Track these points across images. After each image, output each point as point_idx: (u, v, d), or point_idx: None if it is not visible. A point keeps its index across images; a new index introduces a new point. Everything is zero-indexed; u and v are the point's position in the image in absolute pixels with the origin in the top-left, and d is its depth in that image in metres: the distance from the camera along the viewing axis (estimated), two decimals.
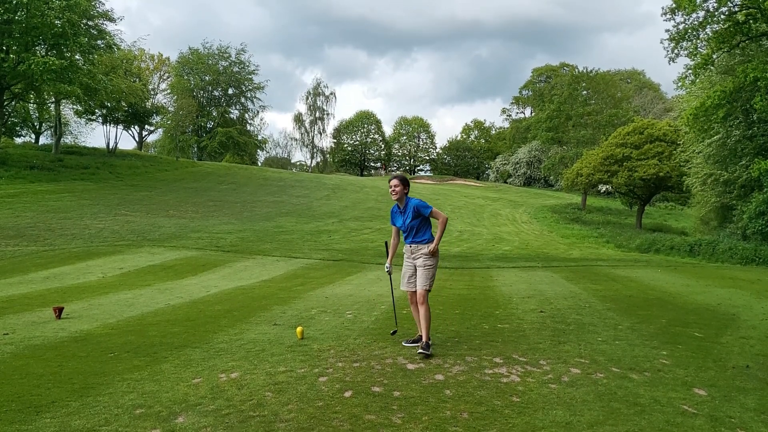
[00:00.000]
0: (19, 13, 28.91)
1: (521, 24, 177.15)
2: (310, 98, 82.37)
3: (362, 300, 8.53)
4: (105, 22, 34.82)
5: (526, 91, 76.53)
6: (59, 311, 7.09)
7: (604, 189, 45.79)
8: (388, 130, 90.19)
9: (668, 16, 21.08)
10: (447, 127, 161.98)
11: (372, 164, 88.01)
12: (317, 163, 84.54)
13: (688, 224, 34.32)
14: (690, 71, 21.08)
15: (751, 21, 19.61)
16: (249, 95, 69.05)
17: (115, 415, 3.59)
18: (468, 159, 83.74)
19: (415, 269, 5.41)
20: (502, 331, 6.25)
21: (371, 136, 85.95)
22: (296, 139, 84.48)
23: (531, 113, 74.64)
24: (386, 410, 3.72)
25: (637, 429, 3.48)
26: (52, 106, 39.66)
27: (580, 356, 5.20)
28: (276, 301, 8.41)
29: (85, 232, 19.82)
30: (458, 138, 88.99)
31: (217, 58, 65.97)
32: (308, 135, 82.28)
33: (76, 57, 32.15)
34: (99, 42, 34.56)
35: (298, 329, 5.91)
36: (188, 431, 3.38)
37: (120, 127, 48.33)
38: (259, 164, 74.21)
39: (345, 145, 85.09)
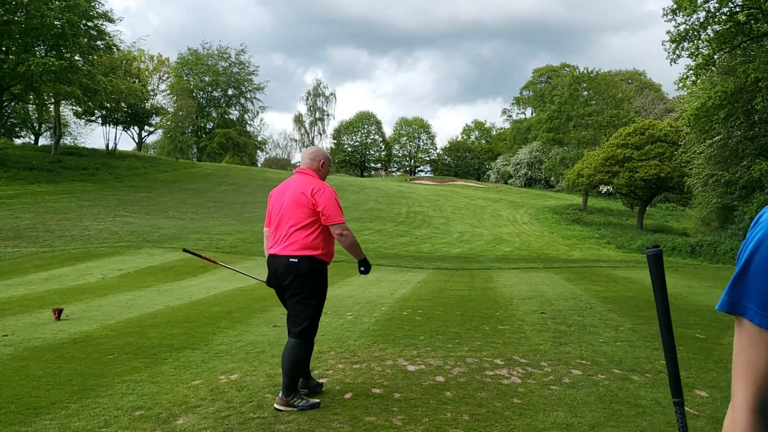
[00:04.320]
0: (18, 14, 28.92)
1: (523, 23, 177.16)
2: (310, 99, 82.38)
3: (362, 301, 8.52)
4: (104, 23, 34.82)
5: (527, 92, 76.55)
6: (58, 313, 7.07)
7: (605, 190, 45.71)
8: (388, 130, 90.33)
9: (669, 16, 21.09)
10: (447, 127, 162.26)
11: (372, 165, 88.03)
12: None
13: (690, 225, 34.29)
14: (691, 72, 21.09)
15: (752, 21, 19.61)
16: (249, 96, 69.02)
17: (115, 417, 3.57)
18: (468, 160, 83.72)
19: None
20: (503, 333, 6.23)
21: (371, 136, 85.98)
22: (296, 140, 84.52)
23: (532, 114, 74.64)
24: (386, 412, 3.70)
25: (638, 430, 3.47)
26: (52, 107, 39.65)
27: (581, 357, 5.18)
28: (276, 303, 8.36)
29: (85, 233, 19.81)
30: (459, 139, 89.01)
31: (217, 58, 65.94)
32: (308, 136, 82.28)
33: (76, 58, 32.17)
34: (98, 43, 34.56)
35: None
36: None
37: (119, 127, 48.30)
38: (259, 165, 74.17)
39: (345, 146, 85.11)
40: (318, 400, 3.87)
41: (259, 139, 72.99)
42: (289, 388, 3.73)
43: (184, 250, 5.25)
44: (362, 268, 4.00)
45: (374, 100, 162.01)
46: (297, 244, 3.77)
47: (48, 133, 49.66)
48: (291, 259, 3.76)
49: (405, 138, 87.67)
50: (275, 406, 3.75)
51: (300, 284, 3.79)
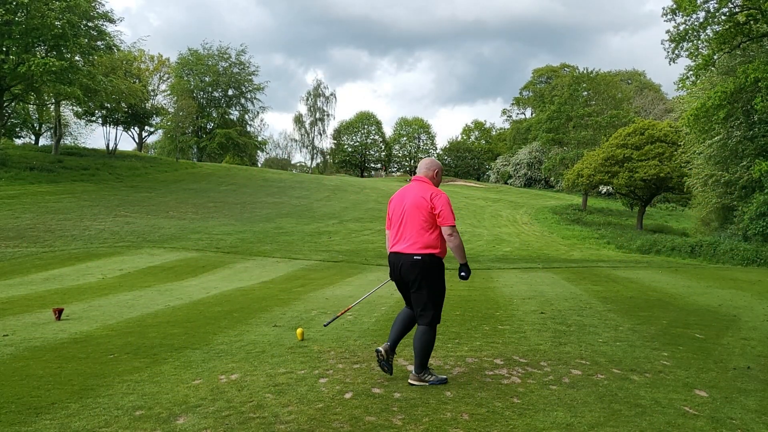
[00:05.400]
0: (19, 15, 28.94)
1: (523, 23, 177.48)
2: (310, 99, 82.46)
3: (363, 301, 8.52)
4: (105, 23, 34.87)
5: (527, 92, 76.59)
6: (59, 312, 7.08)
7: (604, 190, 45.74)
8: (388, 131, 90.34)
9: (669, 16, 21.08)
10: (447, 127, 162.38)
11: (372, 165, 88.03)
12: (317, 164, 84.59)
13: (689, 225, 34.31)
14: (691, 72, 21.08)
15: (751, 22, 19.62)
16: (249, 96, 69.00)
17: (115, 417, 3.58)
18: (468, 160, 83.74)
19: None
20: (503, 333, 6.23)
21: (371, 137, 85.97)
22: (296, 140, 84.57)
23: (531, 114, 74.66)
24: (387, 412, 3.71)
25: (638, 430, 3.47)
26: (52, 107, 39.70)
27: (581, 357, 5.19)
28: (276, 303, 8.40)
29: (85, 233, 19.82)
30: (458, 139, 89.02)
31: (217, 58, 65.91)
32: (308, 136, 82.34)
33: (76, 58, 32.19)
34: (99, 43, 34.59)
35: (299, 330, 5.90)
36: None
37: (120, 128, 48.35)
38: (259, 165, 74.19)
39: (345, 146, 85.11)
40: (445, 377, 4.43)
41: (260, 139, 73.02)
42: (420, 367, 4.33)
43: (325, 325, 5.64)
44: (462, 273, 4.44)
45: (374, 101, 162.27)
46: (419, 243, 4.30)
47: (48, 133, 49.72)
48: (415, 257, 4.29)
49: (405, 138, 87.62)
50: (410, 381, 4.34)
51: (423, 278, 4.31)
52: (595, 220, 36.78)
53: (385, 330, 6.28)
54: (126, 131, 52.27)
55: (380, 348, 4.44)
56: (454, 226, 4.31)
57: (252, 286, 10.83)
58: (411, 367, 4.78)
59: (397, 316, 4.62)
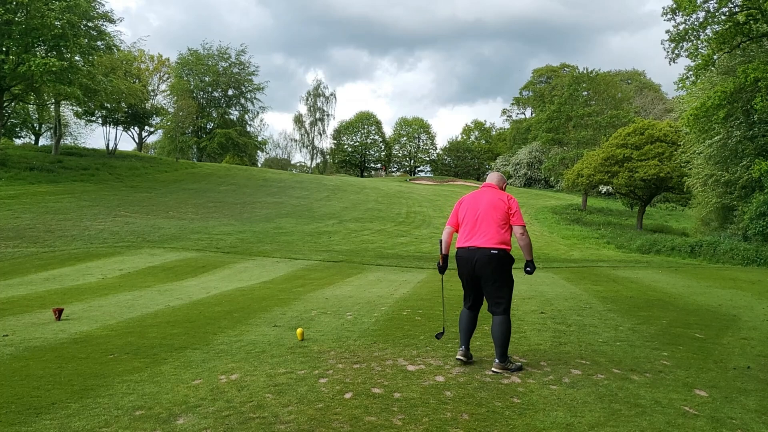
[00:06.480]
0: (19, 14, 28.93)
1: (523, 23, 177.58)
2: (310, 99, 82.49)
3: (362, 301, 8.52)
4: (105, 23, 34.86)
5: (527, 92, 76.68)
6: (59, 313, 7.08)
7: (604, 190, 45.72)
8: (388, 131, 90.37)
9: (668, 16, 21.06)
10: (447, 127, 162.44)
11: (372, 165, 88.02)
12: (317, 164, 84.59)
13: (689, 225, 34.31)
14: (690, 72, 21.05)
15: (751, 21, 19.58)
16: (249, 96, 68.95)
17: (115, 417, 3.58)
18: (468, 160, 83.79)
19: None
20: None
21: (371, 137, 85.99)
22: (296, 140, 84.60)
23: (531, 114, 74.70)
24: (386, 412, 3.71)
25: (638, 430, 3.47)
26: (52, 107, 39.69)
27: (581, 357, 5.19)
28: (276, 303, 8.40)
29: (85, 233, 19.82)
30: (458, 139, 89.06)
31: (217, 58, 65.87)
32: (308, 136, 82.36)
33: (76, 58, 32.14)
34: (99, 43, 34.56)
35: (298, 330, 5.90)
36: None
37: (120, 128, 48.32)
38: (259, 165, 74.17)
39: (345, 146, 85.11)
40: (520, 364, 4.81)
41: (260, 139, 72.94)
42: (503, 356, 4.68)
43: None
44: (528, 269, 4.97)
45: (374, 101, 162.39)
46: (495, 239, 4.78)
47: (48, 133, 49.70)
48: (492, 251, 4.75)
49: (405, 138, 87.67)
50: (493, 369, 4.65)
51: (499, 271, 4.78)
52: (595, 220, 36.77)
53: (385, 330, 6.29)
54: (126, 131, 52.26)
55: (461, 357, 4.85)
56: (525, 226, 4.88)
57: (252, 286, 10.83)
58: (411, 367, 4.78)
59: (460, 321, 4.97)
